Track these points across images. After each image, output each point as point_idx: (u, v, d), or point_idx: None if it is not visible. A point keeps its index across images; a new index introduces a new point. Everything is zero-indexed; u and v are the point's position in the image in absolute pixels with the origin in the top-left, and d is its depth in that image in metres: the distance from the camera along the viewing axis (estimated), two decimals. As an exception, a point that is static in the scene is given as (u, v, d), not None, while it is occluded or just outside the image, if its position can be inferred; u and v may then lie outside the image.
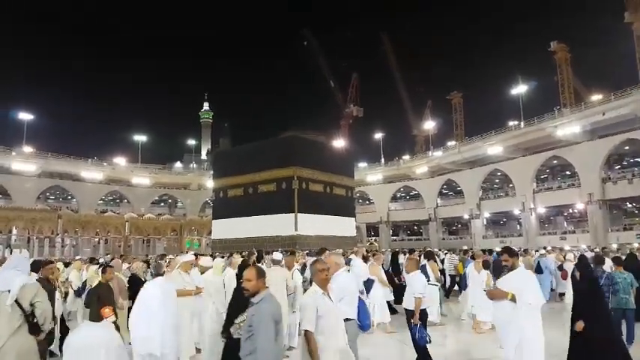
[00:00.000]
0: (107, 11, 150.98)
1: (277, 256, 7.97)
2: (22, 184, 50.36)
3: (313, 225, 31.38)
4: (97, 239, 52.17)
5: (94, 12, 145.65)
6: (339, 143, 58.26)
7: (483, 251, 16.89)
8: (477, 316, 9.76)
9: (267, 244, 29.98)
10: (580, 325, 5.46)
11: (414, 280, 6.99)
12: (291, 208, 30.84)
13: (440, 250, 26.91)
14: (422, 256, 12.24)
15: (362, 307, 5.45)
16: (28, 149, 52.77)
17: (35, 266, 7.85)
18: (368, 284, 9.08)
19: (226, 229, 34.29)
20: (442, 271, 15.18)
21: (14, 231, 44.99)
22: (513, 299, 5.02)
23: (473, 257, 12.07)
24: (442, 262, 16.86)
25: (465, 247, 28.16)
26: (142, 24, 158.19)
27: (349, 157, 43.34)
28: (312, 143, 35.16)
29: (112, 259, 13.17)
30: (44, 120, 75.45)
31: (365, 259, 11.04)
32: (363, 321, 5.35)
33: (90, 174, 55.85)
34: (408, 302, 6.88)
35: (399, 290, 10.25)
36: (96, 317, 5.66)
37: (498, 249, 22.72)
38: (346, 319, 4.80)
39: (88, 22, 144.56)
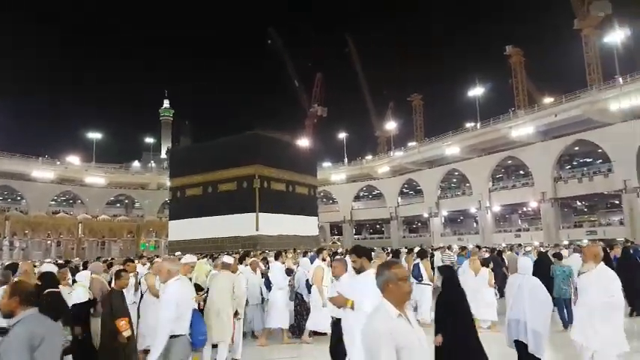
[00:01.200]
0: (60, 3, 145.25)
1: (227, 259, 7.57)
2: (-33, 185, 47.69)
3: (275, 225, 31.00)
4: (48, 242, 50.08)
5: (50, 4, 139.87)
6: (304, 143, 58.10)
7: (478, 247, 16.82)
8: (475, 315, 9.63)
9: (227, 245, 29.50)
10: (438, 340, 4.94)
11: None
12: (253, 208, 30.36)
13: (405, 247, 27.12)
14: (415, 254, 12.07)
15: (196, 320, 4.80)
16: (-29, 147, 50.04)
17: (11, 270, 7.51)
18: None
19: (184, 230, 33.42)
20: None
21: (-43, 233, 42.67)
22: (353, 307, 4.42)
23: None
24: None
25: (472, 244, 28.45)
26: (101, 19, 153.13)
27: (312, 155, 43.19)
28: (274, 141, 34.66)
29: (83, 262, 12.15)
30: (-9, 116, 71.38)
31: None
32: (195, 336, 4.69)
33: (41, 173, 53.38)
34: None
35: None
36: (109, 331, 5.10)
37: (456, 246, 22.96)
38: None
39: (39, 11, 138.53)
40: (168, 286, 4.66)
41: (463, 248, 16.26)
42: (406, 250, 16.38)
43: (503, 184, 51.89)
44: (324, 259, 9.39)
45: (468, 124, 52.33)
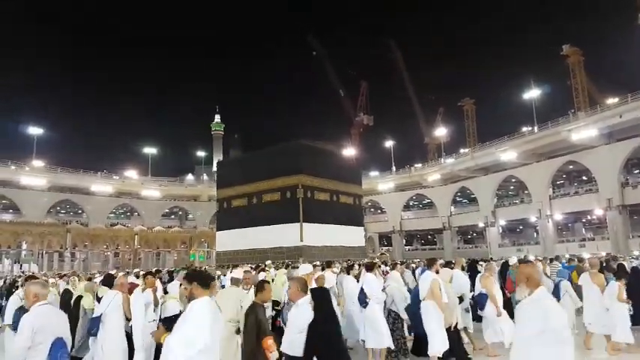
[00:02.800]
0: (119, 22, 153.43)
1: (237, 273, 6.89)
2: (32, 199, 50.46)
3: (319, 235, 30.53)
4: (107, 253, 52.03)
5: (104, 23, 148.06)
6: (349, 152, 57.38)
7: (579, 260, 14.19)
8: (597, 331, 8.41)
9: (271, 256, 29.20)
10: None
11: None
12: (297, 218, 30.00)
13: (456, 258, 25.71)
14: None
15: None
16: (37, 163, 52.99)
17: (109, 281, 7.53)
18: (481, 299, 8.10)
19: (231, 240, 33.56)
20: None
21: (24, 245, 45.02)
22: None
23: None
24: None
25: (586, 254, 26.86)
26: (154, 37, 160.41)
27: (357, 164, 42.54)
28: (317, 151, 34.27)
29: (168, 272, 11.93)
30: (54, 134, 75.84)
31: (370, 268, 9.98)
32: None
33: (99, 187, 55.86)
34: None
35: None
36: (251, 351, 4.55)
37: (515, 258, 21.23)
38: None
39: (97, 32, 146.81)
40: (31, 311, 4.27)
41: (580, 260, 13.98)
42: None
43: (565, 190, 49.01)
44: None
45: (525, 128, 49.83)
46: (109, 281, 7.97)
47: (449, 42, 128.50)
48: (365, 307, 7.70)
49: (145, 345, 6.12)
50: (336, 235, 32.08)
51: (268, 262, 20.76)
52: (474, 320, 8.94)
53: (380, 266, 11.76)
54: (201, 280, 3.68)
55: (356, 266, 13.84)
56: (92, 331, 6.09)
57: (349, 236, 33.88)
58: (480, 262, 13.32)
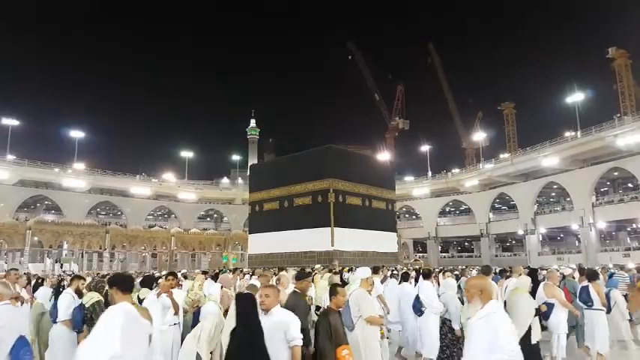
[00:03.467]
0: (157, 28, 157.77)
1: (255, 280, 6.76)
2: (73, 200, 52.18)
3: (351, 240, 30.07)
4: (144, 254, 53.26)
5: (143, 29, 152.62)
6: (384, 156, 56.75)
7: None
8: None
9: (303, 260, 29.03)
10: None
11: None
12: (328, 222, 29.67)
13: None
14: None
15: None
16: (78, 166, 54.86)
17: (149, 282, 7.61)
18: (548, 310, 7.62)
19: (263, 243, 33.55)
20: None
21: (65, 245, 46.56)
22: None
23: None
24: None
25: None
26: (192, 43, 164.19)
27: (390, 169, 41.70)
28: (348, 154, 34.00)
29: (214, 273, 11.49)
30: (94, 137, 79.06)
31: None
32: None
33: (138, 189, 57.25)
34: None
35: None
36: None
37: (555, 266, 19.94)
38: None
39: (139, 38, 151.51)
40: None
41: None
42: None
43: (609, 198, 46.98)
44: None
45: (567, 134, 48.06)
46: (148, 282, 7.99)
47: (489, 44, 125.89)
48: (420, 315, 7.50)
49: (163, 349, 5.99)
50: (368, 241, 31.53)
51: (318, 265, 20.37)
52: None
53: (437, 274, 11.39)
54: (121, 284, 3.48)
55: (387, 272, 13.54)
56: None
57: (381, 242, 33.28)
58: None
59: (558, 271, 11.86)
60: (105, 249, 47.54)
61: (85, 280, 7.70)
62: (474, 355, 3.43)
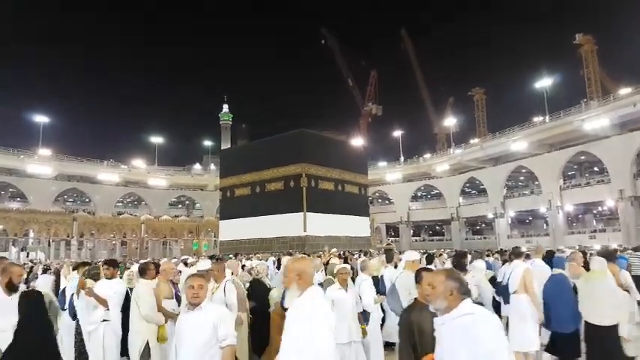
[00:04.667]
0: (125, 9, 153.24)
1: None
2: (39, 187, 50.51)
3: (324, 225, 30.04)
4: (113, 242, 52.13)
5: (111, 9, 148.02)
6: (357, 142, 56.74)
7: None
8: None
9: (275, 246, 28.88)
10: None
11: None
12: (300, 208, 29.53)
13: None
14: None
15: None
16: (44, 152, 53.04)
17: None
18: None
19: (234, 229, 33.28)
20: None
21: (31, 234, 45.17)
22: None
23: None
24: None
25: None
26: (162, 25, 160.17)
27: (363, 154, 41.77)
28: (321, 139, 33.71)
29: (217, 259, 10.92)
30: (60, 122, 76.43)
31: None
32: None
33: (106, 176, 55.84)
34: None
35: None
36: None
37: (524, 249, 20.21)
38: None
39: (104, 20, 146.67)
40: None
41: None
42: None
43: (576, 181, 48.12)
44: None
45: (536, 119, 48.91)
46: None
47: (459, 31, 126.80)
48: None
49: (94, 351, 5.66)
50: (341, 225, 31.58)
51: (334, 249, 19.18)
52: None
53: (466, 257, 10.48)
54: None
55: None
56: None
57: (354, 226, 33.39)
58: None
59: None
60: (72, 237, 46.34)
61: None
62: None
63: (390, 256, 9.22)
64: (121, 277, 6.84)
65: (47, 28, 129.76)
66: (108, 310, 5.62)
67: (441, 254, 12.84)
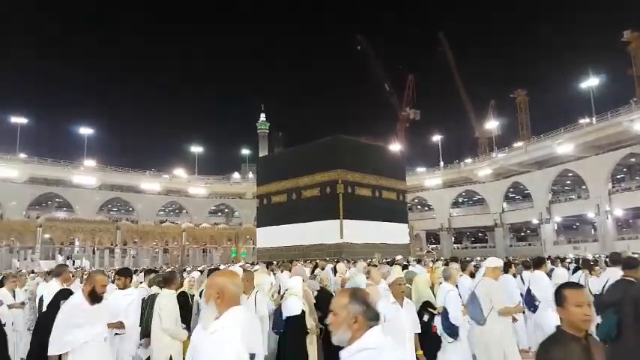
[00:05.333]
0: (167, 24, 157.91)
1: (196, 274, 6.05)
2: (84, 197, 52.28)
3: (361, 232, 29.53)
4: (156, 249, 53.25)
5: (154, 25, 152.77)
6: (395, 147, 55.88)
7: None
8: None
9: (312, 253, 28.56)
10: None
11: None
12: (337, 214, 29.15)
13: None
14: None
15: None
16: (88, 163, 54.92)
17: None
18: None
19: (271, 237, 33.23)
20: None
21: (76, 242, 46.67)
22: None
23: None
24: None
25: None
26: (200, 38, 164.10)
27: (401, 159, 40.97)
28: (358, 145, 33.22)
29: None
30: (104, 134, 79.64)
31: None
32: None
33: (148, 185, 57.25)
34: None
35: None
36: None
37: (571, 256, 18.89)
38: None
39: (149, 33, 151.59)
40: None
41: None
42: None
43: (626, 185, 45.77)
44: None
45: (582, 120, 46.77)
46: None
47: (500, 31, 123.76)
48: (534, 311, 6.71)
49: None
50: (379, 232, 30.93)
51: (399, 257, 18.57)
52: None
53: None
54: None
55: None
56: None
57: (392, 233, 32.69)
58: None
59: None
60: (116, 245, 47.59)
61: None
62: None
63: (464, 265, 8.53)
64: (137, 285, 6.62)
65: (90, 43, 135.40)
66: (124, 329, 5.16)
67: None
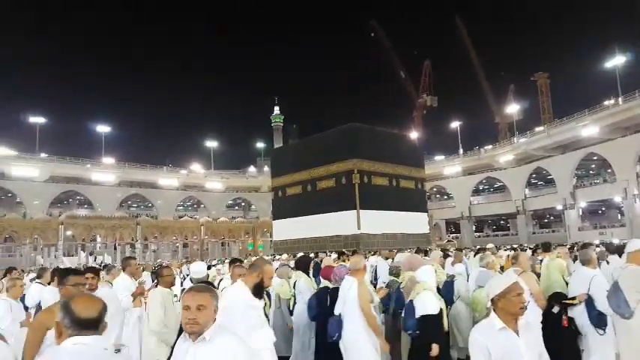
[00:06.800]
0: (179, 21, 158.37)
1: (197, 269, 5.29)
2: (104, 194, 52.79)
3: (378, 222, 28.86)
4: (176, 244, 53.62)
5: (169, 23, 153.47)
6: (412, 135, 54.88)
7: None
8: None
9: (329, 245, 28.11)
10: None
11: None
12: (353, 205, 28.54)
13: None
14: None
15: None
16: (107, 160, 55.40)
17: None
18: None
19: (287, 229, 32.81)
20: None
21: (98, 239, 47.20)
22: None
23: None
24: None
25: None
26: (214, 34, 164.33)
27: (418, 146, 40.03)
28: (373, 133, 32.34)
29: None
30: (121, 131, 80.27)
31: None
32: None
33: (166, 181, 57.54)
34: None
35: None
36: None
37: (597, 242, 17.82)
38: None
39: (161, 33, 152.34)
40: None
41: None
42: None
43: (656, 166, 43.85)
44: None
45: (607, 102, 45.09)
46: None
47: (518, 10, 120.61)
48: (629, 317, 4.44)
49: None
50: (397, 222, 30.19)
51: (490, 245, 16.19)
52: None
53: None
54: None
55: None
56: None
57: (411, 223, 31.91)
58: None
59: None
60: (137, 240, 48.02)
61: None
62: None
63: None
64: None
65: (105, 42, 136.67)
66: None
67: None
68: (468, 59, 69.29)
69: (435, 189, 60.56)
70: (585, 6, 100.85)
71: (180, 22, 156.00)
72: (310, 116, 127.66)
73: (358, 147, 29.57)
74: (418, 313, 4.50)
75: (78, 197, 55.16)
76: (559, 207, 49.50)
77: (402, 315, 4.87)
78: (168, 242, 52.62)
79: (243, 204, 67.38)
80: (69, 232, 44.74)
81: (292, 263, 9.23)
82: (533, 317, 4.43)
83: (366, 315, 4.49)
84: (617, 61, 47.29)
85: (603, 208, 52.82)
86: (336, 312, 4.67)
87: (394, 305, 5.52)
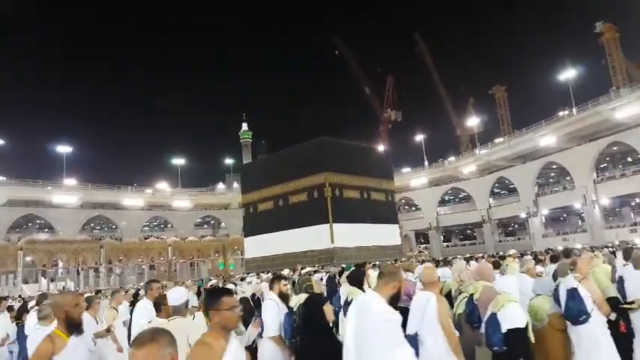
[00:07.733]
0: (141, 37, 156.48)
1: (176, 295, 4.26)
2: (65, 217, 50.93)
3: (352, 235, 29.00)
4: (142, 266, 52.04)
5: (129, 39, 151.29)
6: (380, 149, 55.67)
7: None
8: None
9: (303, 261, 27.94)
10: None
11: None
12: (326, 219, 28.60)
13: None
14: None
15: None
16: (69, 181, 53.54)
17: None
18: None
19: (259, 246, 32.53)
20: None
21: (60, 264, 45.34)
22: None
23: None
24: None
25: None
26: (178, 49, 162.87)
27: (387, 159, 40.64)
28: (343, 147, 32.63)
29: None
30: (83, 152, 77.66)
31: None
32: None
33: (131, 201, 56.08)
34: None
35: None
36: None
37: (560, 248, 18.73)
38: None
39: (122, 46, 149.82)
40: None
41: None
42: None
43: (610, 173, 46.05)
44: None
45: (562, 112, 47.13)
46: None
47: (474, 29, 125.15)
48: None
49: None
50: (370, 235, 30.48)
51: (512, 250, 16.03)
52: None
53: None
54: None
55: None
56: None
57: (384, 235, 32.23)
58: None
59: None
60: (101, 264, 46.39)
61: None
62: None
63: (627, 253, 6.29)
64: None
65: (63, 57, 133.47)
66: None
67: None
68: (429, 74, 71.33)
69: (402, 201, 61.38)
70: (538, 25, 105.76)
71: (142, 35, 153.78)
72: (279, 132, 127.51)
73: (329, 160, 29.77)
74: (504, 327, 4.16)
75: (38, 221, 52.98)
76: (523, 215, 50.98)
77: (482, 330, 4.44)
78: (133, 265, 51.03)
79: (212, 222, 66.33)
80: (28, 258, 42.79)
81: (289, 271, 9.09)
82: (599, 329, 4.45)
83: (447, 333, 4.05)
84: (569, 74, 49.57)
85: (565, 215, 54.59)
86: (410, 331, 4.12)
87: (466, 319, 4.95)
